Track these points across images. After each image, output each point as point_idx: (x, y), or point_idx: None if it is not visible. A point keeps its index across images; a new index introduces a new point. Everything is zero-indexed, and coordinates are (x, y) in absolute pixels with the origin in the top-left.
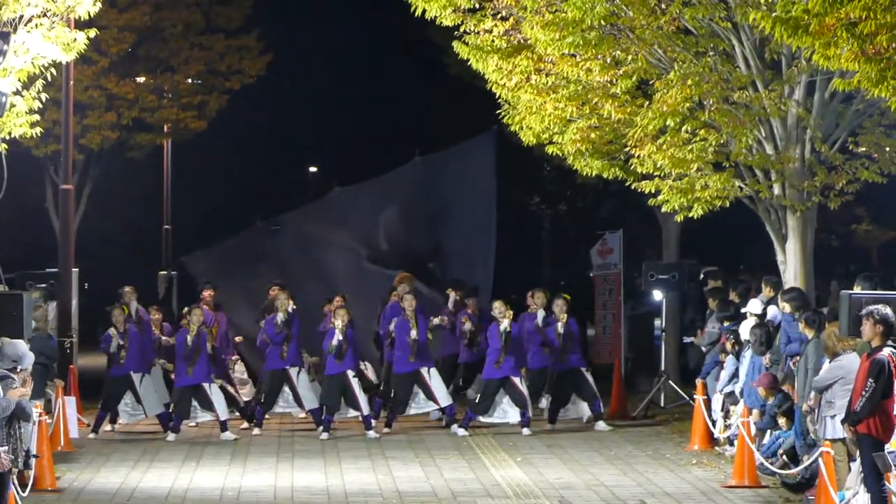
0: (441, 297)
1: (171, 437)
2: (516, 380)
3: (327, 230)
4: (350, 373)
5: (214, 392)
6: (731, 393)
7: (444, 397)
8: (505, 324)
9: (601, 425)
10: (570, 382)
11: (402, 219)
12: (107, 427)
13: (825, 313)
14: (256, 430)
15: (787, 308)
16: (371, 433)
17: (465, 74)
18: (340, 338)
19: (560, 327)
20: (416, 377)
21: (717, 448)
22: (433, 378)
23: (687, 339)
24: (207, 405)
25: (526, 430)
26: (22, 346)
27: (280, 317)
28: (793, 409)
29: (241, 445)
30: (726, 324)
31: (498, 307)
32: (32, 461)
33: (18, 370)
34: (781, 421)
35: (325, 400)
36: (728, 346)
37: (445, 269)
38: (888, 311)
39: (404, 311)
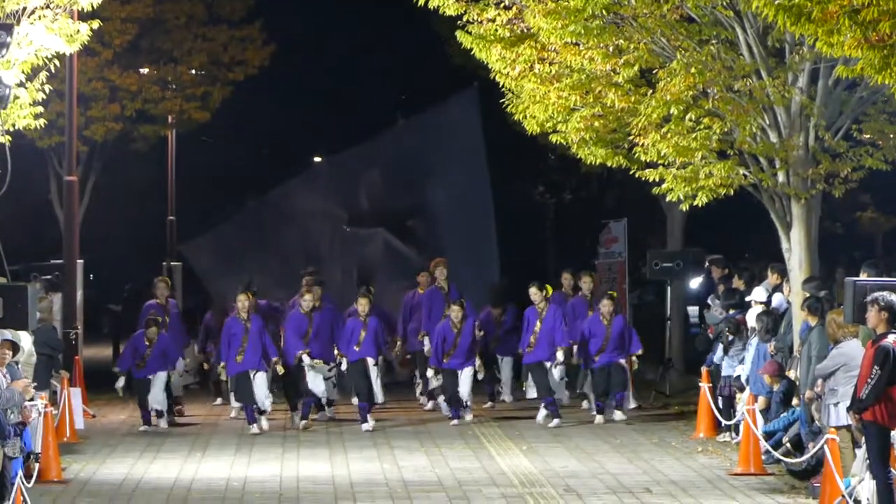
0: (416, 255)
1: (254, 429)
2: (549, 365)
3: (314, 201)
4: (370, 360)
5: (258, 381)
6: (738, 378)
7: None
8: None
9: (618, 414)
10: (608, 374)
11: (382, 178)
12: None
13: (827, 300)
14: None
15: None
16: (365, 425)
17: (468, 64)
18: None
19: (606, 323)
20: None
21: (720, 436)
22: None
23: (694, 330)
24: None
25: (542, 416)
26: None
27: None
28: (791, 394)
29: (246, 436)
30: (732, 311)
31: (534, 292)
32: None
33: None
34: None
35: (357, 390)
36: (726, 332)
37: (436, 226)
38: (893, 297)
39: (451, 320)
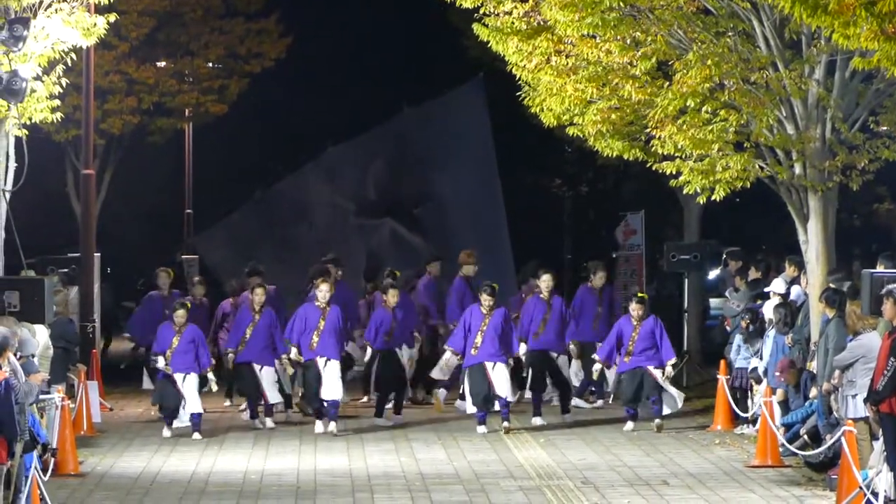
0: (422, 242)
1: (268, 423)
2: (553, 355)
3: (320, 191)
4: (398, 351)
5: (265, 375)
6: (755, 370)
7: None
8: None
9: (629, 425)
10: (639, 380)
11: (389, 167)
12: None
13: (850, 292)
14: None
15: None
16: (380, 420)
17: (484, 56)
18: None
19: (636, 324)
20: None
21: (739, 429)
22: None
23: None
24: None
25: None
26: (26, 332)
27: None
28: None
29: (263, 430)
30: (758, 302)
31: (546, 280)
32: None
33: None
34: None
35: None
36: (743, 324)
37: (443, 215)
38: None
39: (481, 306)
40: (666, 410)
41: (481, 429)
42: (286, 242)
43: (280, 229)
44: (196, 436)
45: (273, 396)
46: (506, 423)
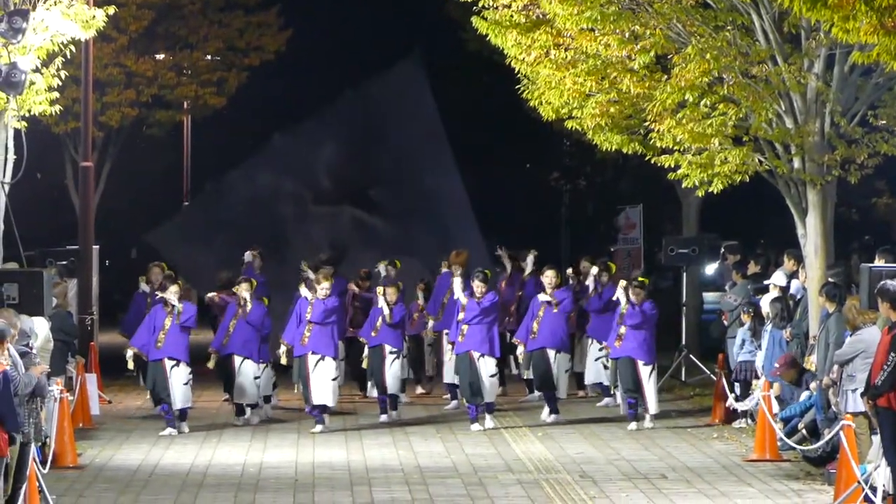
0: (383, 224)
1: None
2: (551, 353)
3: (273, 179)
4: (388, 347)
5: (244, 370)
6: (752, 363)
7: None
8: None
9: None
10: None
11: (339, 152)
12: None
13: (845, 287)
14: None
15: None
16: (383, 416)
17: (483, 49)
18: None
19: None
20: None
21: (736, 422)
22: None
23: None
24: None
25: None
26: (27, 322)
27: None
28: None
29: (262, 422)
30: (758, 296)
31: (550, 276)
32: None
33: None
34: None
35: (376, 379)
36: (745, 318)
37: (400, 193)
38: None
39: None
40: (650, 410)
41: (475, 426)
42: (243, 235)
43: (236, 221)
44: (184, 428)
45: (250, 395)
46: (475, 425)
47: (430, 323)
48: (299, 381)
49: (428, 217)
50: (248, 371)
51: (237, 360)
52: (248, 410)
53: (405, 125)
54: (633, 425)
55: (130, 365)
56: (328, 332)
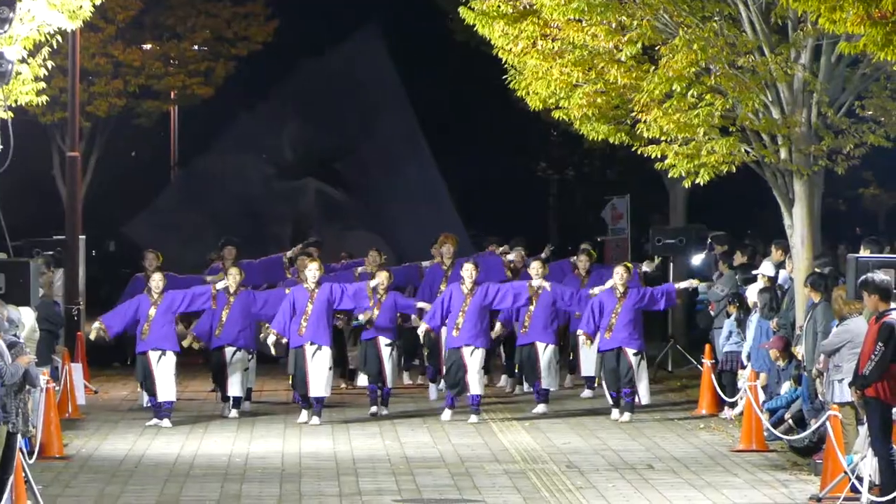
0: (346, 197)
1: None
2: (541, 346)
3: (240, 159)
4: (383, 339)
5: (235, 361)
6: (739, 354)
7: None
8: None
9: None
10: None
11: (303, 125)
12: None
13: (832, 277)
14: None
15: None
16: (374, 409)
17: (470, 40)
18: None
19: (618, 297)
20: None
21: (724, 413)
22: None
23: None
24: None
25: (540, 407)
26: (13, 313)
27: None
28: (800, 375)
29: (248, 412)
30: (745, 287)
31: (536, 268)
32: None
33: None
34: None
35: (368, 371)
36: (731, 309)
37: (365, 166)
38: (877, 275)
39: (462, 285)
40: (643, 401)
41: (446, 415)
42: (215, 218)
43: (207, 206)
44: (165, 423)
45: (235, 389)
46: (474, 417)
47: (423, 326)
48: (294, 372)
49: (393, 195)
50: (238, 363)
51: (228, 351)
52: (247, 404)
53: (368, 98)
54: (626, 416)
55: (93, 335)
56: (325, 322)
